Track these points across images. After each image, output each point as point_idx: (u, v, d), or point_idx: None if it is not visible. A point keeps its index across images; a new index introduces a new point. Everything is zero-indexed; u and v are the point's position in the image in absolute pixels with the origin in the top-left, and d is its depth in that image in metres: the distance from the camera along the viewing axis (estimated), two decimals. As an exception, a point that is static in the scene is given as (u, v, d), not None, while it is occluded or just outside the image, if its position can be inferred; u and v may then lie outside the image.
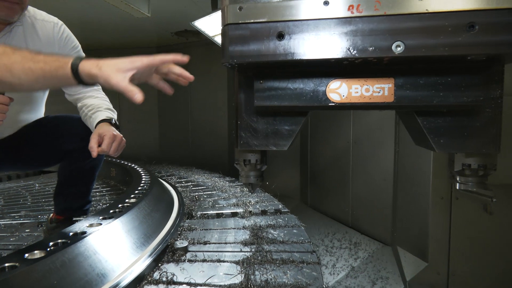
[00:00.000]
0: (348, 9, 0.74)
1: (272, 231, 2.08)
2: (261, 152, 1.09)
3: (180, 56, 1.24)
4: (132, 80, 1.11)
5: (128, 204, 1.93)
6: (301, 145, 4.33)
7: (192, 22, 3.19)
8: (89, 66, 1.12)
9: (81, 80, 1.14)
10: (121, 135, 1.67)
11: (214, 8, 3.23)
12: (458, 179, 1.05)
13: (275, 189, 4.33)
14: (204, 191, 3.11)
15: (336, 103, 0.89)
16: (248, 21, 0.77)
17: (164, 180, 3.55)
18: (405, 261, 2.54)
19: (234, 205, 2.64)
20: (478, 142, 0.92)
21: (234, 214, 2.43)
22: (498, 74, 0.84)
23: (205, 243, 1.88)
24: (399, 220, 2.72)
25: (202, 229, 2.10)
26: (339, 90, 0.89)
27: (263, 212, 2.47)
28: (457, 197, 2.25)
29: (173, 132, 5.85)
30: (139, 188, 2.37)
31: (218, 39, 3.39)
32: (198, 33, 5.08)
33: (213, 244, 1.87)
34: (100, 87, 1.98)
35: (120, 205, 1.90)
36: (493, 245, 2.20)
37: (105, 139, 1.59)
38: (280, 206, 2.61)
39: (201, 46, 5.40)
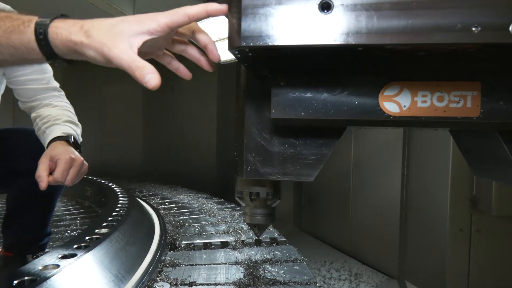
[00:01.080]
0: (436, -33, 0.46)
1: (270, 268, 1.77)
2: (273, 183, 0.80)
3: (216, 5, 0.68)
4: (140, 53, 0.70)
5: (97, 236, 1.59)
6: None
7: (182, 28, 2.90)
8: (67, 29, 0.69)
9: (51, 50, 0.70)
10: (82, 158, 1.30)
11: (206, 15, 2.96)
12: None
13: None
14: (190, 215, 2.78)
15: (394, 116, 0.61)
16: (275, -17, 0.49)
17: (145, 201, 3.21)
18: (417, 299, 2.25)
19: (224, 233, 2.32)
20: None
21: (224, 244, 2.11)
22: None
23: (190, 284, 1.55)
24: (408, 252, 2.44)
25: (187, 265, 1.77)
26: (398, 98, 0.61)
27: (258, 242, 2.16)
28: (478, 229, 1.99)
29: (158, 147, 5.51)
30: (114, 213, 2.03)
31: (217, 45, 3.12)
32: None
33: (200, 286, 1.54)
34: (62, 93, 1.62)
35: (87, 238, 1.56)
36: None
37: (59, 164, 1.21)
38: (276, 235, 2.30)
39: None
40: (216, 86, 5.11)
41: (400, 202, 2.54)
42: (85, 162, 1.26)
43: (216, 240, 2.17)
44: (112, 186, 3.14)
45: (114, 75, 5.18)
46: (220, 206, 3.14)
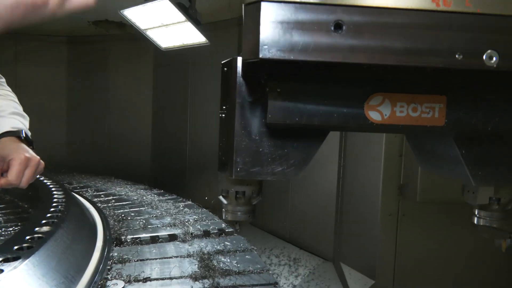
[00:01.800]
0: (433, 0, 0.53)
1: (222, 259, 1.80)
2: (258, 182, 0.83)
3: None
4: None
5: (39, 235, 1.47)
6: (235, 155, 4.10)
7: (121, 11, 2.75)
8: None
9: None
10: (37, 157, 1.16)
11: (147, -1, 2.84)
12: (477, 213, 0.93)
13: (211, 203, 4.02)
14: (131, 208, 2.67)
15: (376, 124, 0.69)
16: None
17: (78, 194, 3.00)
18: (351, 278, 2.48)
19: (170, 225, 2.29)
20: (519, 175, 0.80)
21: (172, 237, 2.08)
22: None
23: (145, 280, 1.52)
24: (343, 236, 2.67)
25: (138, 260, 1.72)
26: (381, 108, 0.68)
27: (206, 233, 2.17)
28: (404, 214, 2.26)
29: (86, 136, 5.13)
30: (52, 209, 1.88)
31: (151, 33, 2.99)
32: (121, 25, 4.54)
33: (155, 281, 1.52)
34: (3, 80, 1.43)
35: (28, 238, 1.43)
36: (438, 263, 2.26)
37: (12, 165, 1.09)
38: (223, 225, 2.34)
39: (123, 40, 4.84)
40: (151, 72, 4.91)
41: (336, 191, 2.75)
42: (41, 161, 1.14)
43: (163, 233, 2.13)
44: (41, 178, 2.87)
45: (30, 55, 4.68)
46: (161, 197, 3.07)
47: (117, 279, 1.50)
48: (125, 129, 4.95)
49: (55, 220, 1.70)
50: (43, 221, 1.66)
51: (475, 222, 0.94)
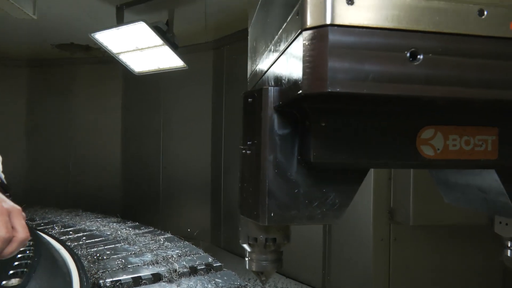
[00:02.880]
0: (511, 26, 0.48)
1: (216, 300, 1.66)
2: (287, 226, 0.74)
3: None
4: None
5: (8, 291, 1.26)
6: (212, 180, 3.96)
7: (92, 35, 2.60)
8: None
9: None
10: (17, 207, 0.94)
11: (120, 22, 2.73)
12: (510, 245, 0.88)
13: (188, 232, 3.82)
14: (106, 245, 2.45)
15: (429, 159, 0.62)
16: (363, 24, 0.45)
17: (42, 231, 2.72)
18: (343, 307, 2.39)
19: (153, 263, 2.10)
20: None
21: (156, 277, 1.91)
22: None
23: (133, 333, 1.35)
24: (333, 263, 2.59)
25: (122, 308, 1.54)
26: (433, 142, 0.62)
27: (193, 270, 2.01)
28: (395, 238, 2.23)
29: (49, 164, 4.78)
30: (19, 256, 1.65)
31: (124, 57, 2.85)
32: (87, 48, 4.34)
33: (145, 334, 1.35)
34: None
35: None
36: (431, 286, 2.23)
37: None
38: (210, 259, 2.19)
39: (89, 63, 4.63)
40: (120, 95, 4.71)
41: (322, 215, 2.68)
42: (22, 213, 0.93)
43: (146, 273, 1.95)
44: None
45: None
46: (137, 231, 2.86)
47: (101, 335, 1.32)
48: (92, 156, 4.66)
49: (25, 270, 1.48)
50: (11, 272, 1.44)
51: (508, 254, 0.90)
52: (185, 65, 2.87)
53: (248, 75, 1.10)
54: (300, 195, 0.66)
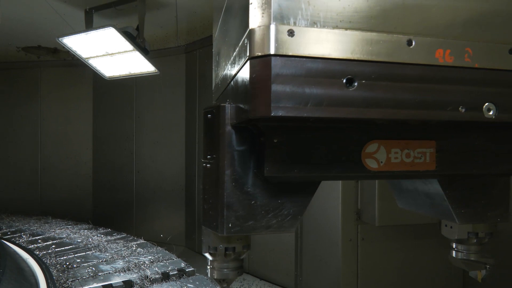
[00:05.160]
0: (436, 54, 0.54)
1: (187, 305, 1.68)
2: (248, 235, 0.77)
3: None
4: None
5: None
6: (187, 184, 3.95)
7: (60, 39, 2.56)
8: None
9: None
10: None
11: (89, 26, 2.69)
12: (455, 246, 0.96)
13: (163, 238, 3.80)
14: (76, 253, 2.41)
15: (373, 171, 0.67)
16: (304, 53, 0.49)
17: (8, 240, 2.64)
18: (314, 307, 2.45)
19: (124, 270, 2.09)
20: (494, 212, 0.84)
21: (128, 285, 1.90)
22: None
23: None
24: (305, 264, 2.65)
25: (91, 318, 1.53)
26: (377, 155, 0.68)
27: (166, 276, 2.02)
28: (363, 238, 2.31)
29: (14, 172, 4.62)
30: (-17, 267, 1.61)
31: (94, 62, 2.82)
32: (54, 51, 4.24)
33: None
34: None
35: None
36: (398, 283, 2.33)
37: None
38: (183, 264, 2.20)
39: (57, 67, 4.51)
40: (90, 100, 4.62)
41: (294, 217, 2.74)
42: None
43: (117, 280, 1.94)
44: (-37, 228, 2.49)
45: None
46: (109, 237, 2.82)
47: None
48: (62, 161, 4.54)
49: (-11, 282, 1.45)
50: (-26, 285, 1.41)
51: (453, 255, 0.97)
52: (156, 70, 2.86)
53: (213, 86, 1.13)
54: (257, 206, 0.70)
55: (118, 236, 2.87)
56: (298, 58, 0.49)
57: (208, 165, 0.74)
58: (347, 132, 0.66)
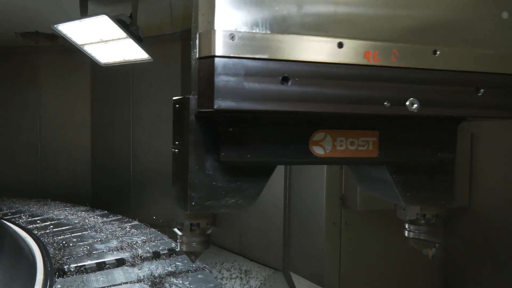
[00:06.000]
0: (365, 55, 0.61)
1: (175, 281, 1.79)
2: (212, 214, 0.86)
3: None
4: None
5: (-29, 276, 1.35)
6: (182, 169, 4.04)
7: (56, 26, 2.62)
8: None
9: None
10: None
11: (84, 14, 2.74)
12: (407, 227, 1.05)
13: (159, 221, 3.92)
14: (72, 233, 2.53)
15: (320, 157, 0.76)
16: (243, 55, 0.57)
17: (9, 221, 2.76)
18: (299, 286, 2.58)
19: (117, 249, 2.21)
20: (438, 195, 0.92)
21: (120, 262, 2.02)
22: (456, 130, 0.86)
23: (93, 312, 1.46)
24: (292, 246, 2.76)
25: (84, 291, 1.65)
26: (323, 143, 0.76)
27: (156, 255, 2.13)
28: (346, 222, 2.41)
29: (15, 156, 4.73)
30: (-17, 244, 1.72)
31: (89, 49, 2.88)
32: (52, 37, 4.28)
33: (105, 313, 1.47)
34: None
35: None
36: (379, 266, 2.44)
37: None
38: (174, 245, 2.31)
39: (55, 53, 4.56)
40: (88, 86, 4.68)
41: (283, 202, 2.85)
42: None
43: (110, 258, 2.05)
44: (-35, 208, 2.60)
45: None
46: (105, 219, 2.94)
47: (62, 314, 1.42)
48: (61, 146, 4.64)
49: (-12, 257, 1.56)
50: (-26, 259, 1.52)
51: (406, 234, 1.06)
52: (150, 58, 2.92)
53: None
54: (217, 187, 0.79)
55: (114, 218, 2.99)
56: (238, 59, 0.57)
57: (176, 151, 0.83)
58: (296, 121, 0.74)
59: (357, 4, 0.61)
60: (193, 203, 0.78)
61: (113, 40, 2.60)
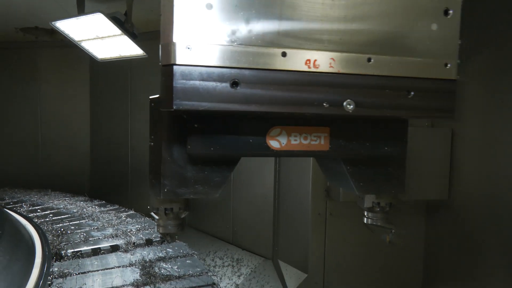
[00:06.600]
0: (305, 63, 0.72)
1: (164, 265, 1.91)
2: (186, 200, 0.97)
3: None
4: None
5: (-26, 257, 1.47)
6: (178, 161, 4.16)
7: (53, 23, 2.71)
8: None
9: None
10: None
11: (81, 11, 2.83)
12: (366, 214, 1.15)
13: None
14: (71, 221, 2.66)
15: (276, 150, 0.86)
16: (198, 63, 0.67)
17: (11, 210, 2.89)
18: (287, 274, 2.70)
19: (112, 236, 2.33)
20: (389, 185, 1.02)
21: (114, 248, 2.14)
22: (406, 126, 0.96)
23: (86, 292, 1.59)
24: (280, 235, 2.88)
25: (79, 273, 1.77)
26: (279, 138, 0.86)
27: (149, 242, 2.25)
28: (331, 213, 2.52)
29: (17, 148, 4.86)
30: (-15, 229, 1.84)
31: (86, 45, 2.98)
32: (52, 32, 4.37)
33: (97, 293, 1.59)
34: None
35: (-39, 260, 1.43)
36: (362, 255, 2.55)
37: None
38: (166, 233, 2.42)
39: (55, 47, 4.66)
40: (87, 79, 4.79)
41: (273, 193, 2.96)
42: None
43: (105, 244, 2.17)
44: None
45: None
46: (102, 209, 3.06)
47: (58, 293, 1.55)
48: (60, 138, 4.77)
49: (-11, 241, 1.68)
50: (-24, 243, 1.64)
51: (365, 221, 1.16)
52: (145, 54, 3.01)
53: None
54: (187, 176, 0.89)
55: (111, 208, 3.12)
56: (194, 67, 0.67)
57: (151, 144, 0.94)
58: (254, 119, 0.84)
59: (299, 19, 0.71)
60: (165, 190, 0.89)
61: (108, 36, 2.69)
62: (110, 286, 1.64)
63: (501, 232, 2.18)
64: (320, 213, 2.50)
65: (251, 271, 3.03)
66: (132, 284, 1.66)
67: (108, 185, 4.61)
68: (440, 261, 2.56)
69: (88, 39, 2.80)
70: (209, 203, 3.68)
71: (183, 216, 1.00)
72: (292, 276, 2.65)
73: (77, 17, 2.53)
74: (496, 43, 2.22)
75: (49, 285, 1.62)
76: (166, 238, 1.01)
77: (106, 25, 2.57)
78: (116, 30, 2.59)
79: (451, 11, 0.78)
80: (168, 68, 0.67)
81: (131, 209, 3.01)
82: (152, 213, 0.97)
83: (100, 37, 2.74)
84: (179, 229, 1.00)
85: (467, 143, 2.39)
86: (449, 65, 0.78)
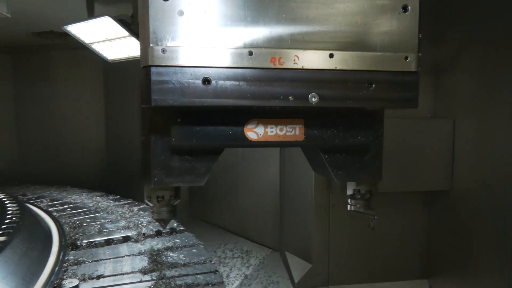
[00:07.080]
0: (271, 60, 0.79)
1: (171, 254, 2.02)
2: (175, 187, 1.06)
3: None
4: None
5: (-4, 245, 1.61)
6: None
7: (65, 27, 2.86)
8: None
9: None
10: None
11: (91, 15, 2.97)
12: (349, 201, 1.22)
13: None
14: (87, 214, 2.81)
15: (254, 141, 0.94)
16: (173, 64, 0.75)
17: (32, 204, 3.07)
18: (293, 264, 2.78)
19: (125, 228, 2.46)
20: (367, 173, 1.08)
21: (126, 239, 2.27)
22: (380, 117, 1.02)
23: (98, 277, 1.71)
24: (286, 227, 2.95)
25: (92, 261, 1.90)
26: (256, 130, 0.94)
27: (158, 233, 2.37)
28: (333, 205, 2.58)
29: (38, 146, 5.09)
30: (7, 221, 2.00)
31: (97, 47, 3.11)
32: (65, 35, 4.56)
33: (108, 278, 1.71)
34: None
35: (-15, 248, 1.57)
36: (364, 245, 2.60)
37: None
38: (175, 224, 2.54)
39: (70, 49, 4.85)
40: (101, 80, 4.97)
41: (279, 186, 3.04)
42: None
43: (117, 235, 2.30)
44: (-7, 193, 2.92)
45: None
46: (117, 203, 3.21)
47: (72, 278, 1.67)
48: (78, 137, 4.97)
49: (10, 231, 1.83)
50: (-1, 232, 1.79)
51: (348, 208, 1.22)
52: (153, 53, 3.13)
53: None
54: (174, 166, 0.98)
55: (125, 202, 3.26)
56: (169, 67, 0.75)
57: (143, 137, 1.03)
58: (233, 112, 0.92)
59: (264, 21, 0.78)
60: (155, 179, 0.98)
61: (117, 38, 2.82)
62: (120, 272, 1.76)
63: (497, 220, 2.19)
64: (322, 205, 2.56)
65: (260, 262, 3.13)
66: (140, 271, 1.77)
67: (122, 180, 4.79)
68: (442, 250, 2.58)
69: (98, 41, 2.94)
70: (217, 196, 3.79)
71: (175, 203, 1.10)
72: (298, 266, 2.72)
73: (87, 21, 2.65)
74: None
75: (64, 271, 1.75)
76: (160, 223, 1.10)
77: (114, 27, 2.69)
78: (124, 32, 2.71)
79: (409, 7, 0.83)
80: (146, 69, 0.76)
81: (144, 203, 3.14)
82: (146, 201, 1.07)
83: (109, 39, 2.87)
84: (171, 215, 1.10)
85: (469, 133, 2.40)
86: (409, 58, 0.84)
